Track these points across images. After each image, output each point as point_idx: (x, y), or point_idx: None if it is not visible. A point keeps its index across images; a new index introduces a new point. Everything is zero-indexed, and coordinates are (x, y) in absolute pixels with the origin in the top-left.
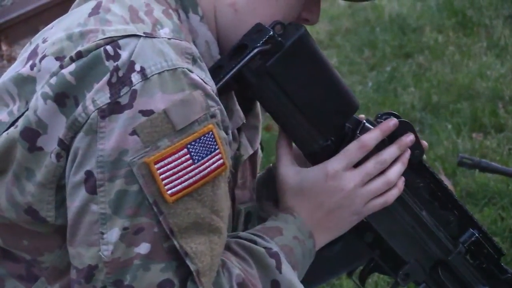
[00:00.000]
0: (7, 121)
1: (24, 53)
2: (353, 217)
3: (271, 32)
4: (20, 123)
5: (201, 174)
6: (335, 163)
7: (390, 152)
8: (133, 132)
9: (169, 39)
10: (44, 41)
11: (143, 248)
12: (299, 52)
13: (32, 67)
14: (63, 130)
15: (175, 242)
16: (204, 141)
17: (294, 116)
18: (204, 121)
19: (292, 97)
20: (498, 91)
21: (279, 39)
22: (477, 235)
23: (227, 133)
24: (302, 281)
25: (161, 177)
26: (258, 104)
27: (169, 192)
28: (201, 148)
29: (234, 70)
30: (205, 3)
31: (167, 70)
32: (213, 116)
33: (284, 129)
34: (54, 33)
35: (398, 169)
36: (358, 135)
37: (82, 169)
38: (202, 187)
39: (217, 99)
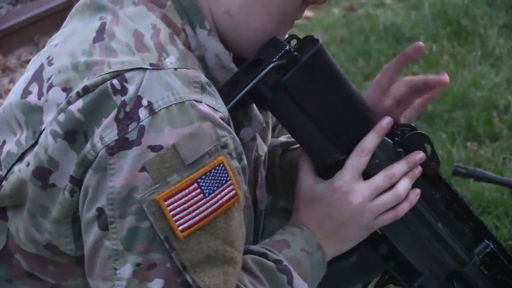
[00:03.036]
0: (16, 153)
1: (30, 67)
2: (362, 230)
3: (287, 47)
4: (31, 161)
5: (213, 207)
6: (343, 175)
7: (399, 167)
8: (143, 169)
9: (175, 69)
10: (50, 62)
11: (157, 283)
12: (316, 67)
13: (39, 97)
14: (74, 167)
15: (188, 277)
16: (214, 174)
17: (310, 130)
18: (215, 153)
19: (308, 111)
20: (492, 101)
21: (295, 53)
22: (492, 246)
23: (241, 159)
24: None
25: (171, 213)
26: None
27: (180, 228)
28: (211, 182)
29: (250, 85)
30: (208, 16)
31: (175, 104)
32: (224, 146)
33: (300, 143)
34: (59, 55)
35: (406, 183)
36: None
37: (93, 206)
38: (214, 220)
39: (228, 127)
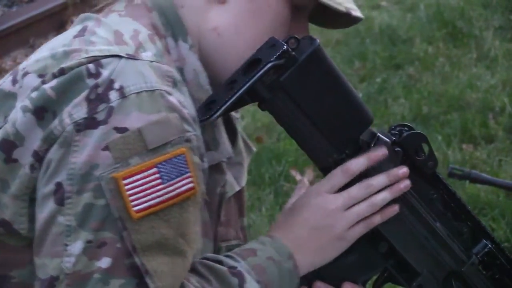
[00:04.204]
0: None
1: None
2: (336, 242)
3: (285, 47)
4: None
5: (169, 194)
6: (320, 185)
7: (378, 179)
8: (106, 148)
9: (151, 61)
10: (28, 59)
11: (104, 262)
12: (313, 67)
13: (14, 83)
14: (38, 142)
15: (137, 259)
16: (175, 162)
17: (308, 130)
18: (178, 143)
19: (306, 111)
20: (488, 102)
21: (293, 53)
22: (490, 246)
23: (202, 161)
24: None
25: (128, 193)
26: (241, 141)
27: (135, 208)
28: (171, 169)
29: (248, 84)
30: (192, 31)
31: (146, 90)
32: (187, 140)
33: (299, 143)
34: (39, 51)
35: (384, 195)
36: (373, 147)
37: (53, 180)
38: (169, 207)
39: (194, 125)
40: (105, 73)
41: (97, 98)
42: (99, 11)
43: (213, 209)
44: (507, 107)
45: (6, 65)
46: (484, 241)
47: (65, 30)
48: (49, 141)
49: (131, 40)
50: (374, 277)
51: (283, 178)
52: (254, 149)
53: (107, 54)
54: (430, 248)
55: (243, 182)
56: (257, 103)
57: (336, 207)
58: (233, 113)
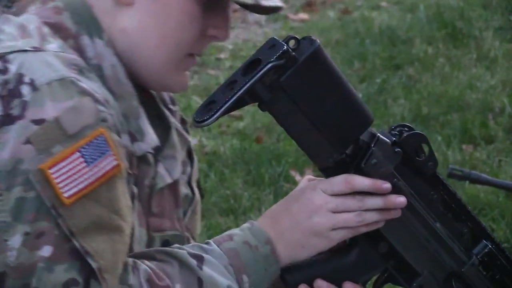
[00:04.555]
0: None
1: None
2: (316, 238)
3: (285, 47)
4: None
5: (96, 175)
6: (319, 182)
7: (374, 201)
8: (27, 141)
9: (55, 52)
10: None
11: (46, 251)
12: (314, 67)
13: None
14: None
15: (76, 243)
16: (96, 144)
17: (308, 130)
18: (95, 125)
19: (306, 112)
20: (488, 103)
21: (293, 53)
22: (490, 246)
23: (120, 137)
24: None
25: (56, 181)
26: (175, 135)
27: (65, 195)
28: (93, 151)
29: (248, 85)
30: (106, 30)
31: (56, 80)
32: (104, 120)
33: (299, 143)
34: None
35: (374, 216)
36: (373, 148)
37: None
38: (98, 188)
39: (107, 105)
40: (12, 68)
41: (10, 95)
42: (15, 12)
43: (144, 200)
44: (507, 107)
45: None
46: (485, 241)
47: None
48: None
49: (35, 32)
50: (374, 278)
51: (283, 179)
52: (191, 139)
53: (12, 50)
54: (430, 249)
55: (176, 174)
56: (257, 103)
57: (325, 204)
58: (165, 110)
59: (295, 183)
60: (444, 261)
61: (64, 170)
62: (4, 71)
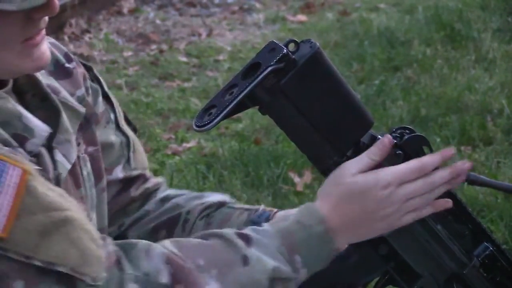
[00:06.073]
0: None
1: None
2: (385, 227)
3: (285, 50)
4: None
5: (11, 194)
6: (390, 176)
7: (442, 175)
8: None
9: None
10: None
11: (19, 285)
12: (313, 70)
13: None
14: None
15: (37, 262)
16: None
17: (309, 133)
18: None
19: (306, 114)
20: (486, 104)
21: (293, 57)
22: (491, 248)
23: (6, 145)
24: None
25: None
26: (65, 117)
27: None
28: None
29: (248, 88)
30: None
31: None
32: None
33: (299, 146)
34: None
35: (441, 191)
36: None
37: None
38: (21, 202)
39: None
40: None
41: None
42: None
43: None
44: (506, 109)
45: None
46: (485, 243)
47: (64, 32)
48: None
49: None
50: (375, 280)
51: (281, 180)
52: (82, 109)
53: None
54: (431, 251)
55: (73, 157)
56: (256, 107)
57: (399, 201)
58: (51, 94)
59: (294, 185)
60: (445, 263)
61: None
62: None
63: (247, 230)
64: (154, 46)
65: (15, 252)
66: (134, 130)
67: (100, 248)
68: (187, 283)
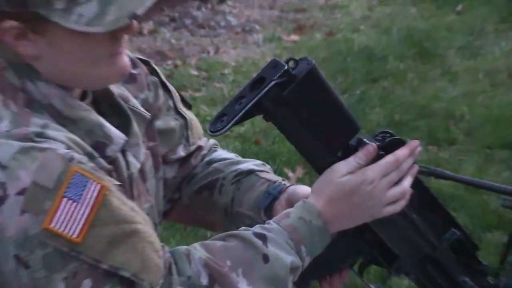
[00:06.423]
0: None
1: None
2: (369, 217)
3: (286, 67)
4: None
5: (89, 206)
6: (374, 173)
7: (404, 155)
8: (22, 212)
9: (7, 131)
10: None
11: (87, 284)
12: (310, 83)
13: None
14: None
15: (104, 265)
16: (75, 182)
17: (306, 137)
18: (66, 168)
19: (304, 121)
20: (450, 111)
21: (293, 72)
22: (458, 233)
23: (90, 158)
24: (314, 272)
25: (60, 230)
26: (135, 124)
27: (74, 236)
28: (76, 189)
29: (255, 100)
30: (42, 70)
31: (17, 152)
32: (71, 159)
33: (297, 148)
34: None
35: (409, 180)
36: (360, 149)
37: (8, 257)
38: (96, 214)
39: (71, 147)
40: None
41: None
42: None
43: (128, 191)
44: (466, 115)
45: None
46: (453, 229)
47: None
48: None
49: None
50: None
51: (277, 175)
52: (148, 115)
53: None
54: (407, 235)
55: (142, 157)
56: (261, 115)
57: (381, 192)
58: (123, 103)
59: (288, 179)
60: (419, 246)
61: (61, 218)
62: None
63: (260, 229)
64: (170, 62)
65: (87, 256)
66: (189, 107)
67: (160, 258)
68: (223, 283)
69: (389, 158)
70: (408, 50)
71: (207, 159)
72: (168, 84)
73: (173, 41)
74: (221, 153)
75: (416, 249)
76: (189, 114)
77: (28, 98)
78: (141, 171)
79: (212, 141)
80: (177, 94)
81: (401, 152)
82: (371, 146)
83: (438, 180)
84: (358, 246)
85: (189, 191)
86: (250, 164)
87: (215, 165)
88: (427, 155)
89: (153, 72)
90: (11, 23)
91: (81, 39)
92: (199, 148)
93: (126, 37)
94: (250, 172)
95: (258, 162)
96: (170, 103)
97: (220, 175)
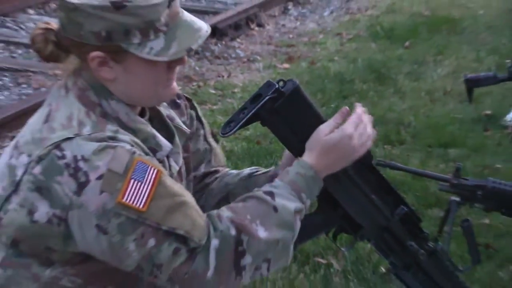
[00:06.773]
0: (2, 195)
1: (11, 143)
2: (350, 161)
3: (277, 86)
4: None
5: (150, 184)
6: (350, 128)
7: (362, 111)
8: (101, 192)
9: (89, 134)
10: (22, 136)
11: (151, 242)
12: (295, 98)
13: (11, 158)
14: (50, 209)
15: (164, 227)
16: (138, 168)
17: (292, 138)
18: (131, 159)
19: (292, 127)
20: (401, 119)
21: (282, 90)
22: (405, 209)
23: (147, 154)
24: (300, 238)
25: (130, 202)
26: (177, 137)
27: (140, 206)
28: (140, 173)
29: (254, 110)
30: (114, 91)
31: (96, 148)
32: (134, 153)
33: (286, 146)
34: (25, 133)
35: (370, 126)
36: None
37: (91, 226)
38: (155, 190)
39: (134, 145)
40: (68, 153)
41: (75, 171)
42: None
43: None
44: (412, 122)
45: None
46: (402, 206)
47: None
48: (65, 209)
49: (75, 121)
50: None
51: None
52: (188, 131)
53: (63, 138)
54: (368, 210)
55: (180, 162)
56: (259, 121)
57: (357, 138)
58: (169, 121)
59: None
60: (376, 218)
61: (131, 193)
62: (63, 157)
63: (268, 187)
64: (194, 83)
65: (151, 221)
66: (216, 140)
67: (203, 221)
68: (247, 232)
69: (354, 116)
70: (370, 75)
71: (217, 175)
72: (203, 118)
73: (196, 68)
74: (227, 170)
75: (375, 221)
76: (214, 145)
77: (103, 111)
78: (179, 172)
79: (227, 169)
80: (208, 128)
81: (358, 110)
82: (344, 109)
83: (392, 170)
84: (332, 219)
85: (206, 204)
86: (248, 170)
87: (225, 180)
88: (384, 152)
89: (193, 107)
90: (98, 53)
91: (149, 66)
92: (216, 171)
93: (178, 68)
94: (251, 175)
95: (253, 167)
96: (201, 132)
97: (230, 187)
